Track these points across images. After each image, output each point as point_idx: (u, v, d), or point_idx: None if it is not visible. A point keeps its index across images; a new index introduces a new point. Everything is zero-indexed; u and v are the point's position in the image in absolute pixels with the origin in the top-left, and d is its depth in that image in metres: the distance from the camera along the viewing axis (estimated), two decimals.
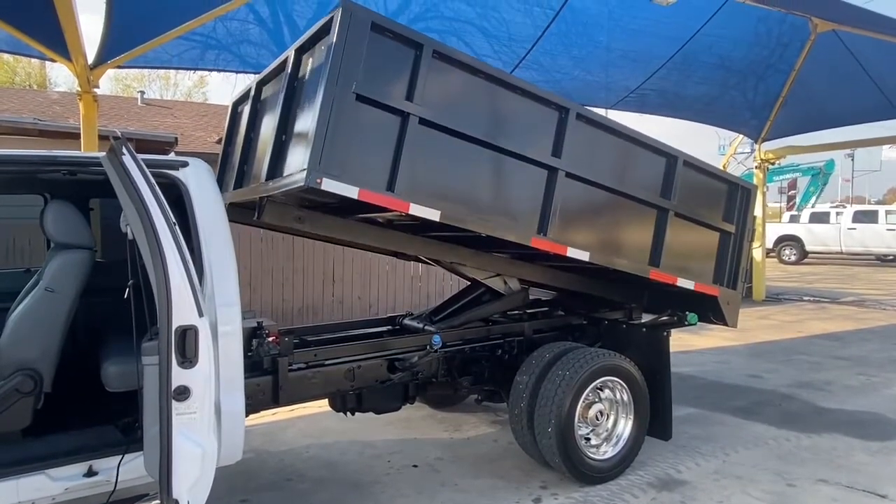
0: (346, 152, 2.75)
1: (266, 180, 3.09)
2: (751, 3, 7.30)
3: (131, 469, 2.59)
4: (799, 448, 4.39)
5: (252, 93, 3.90)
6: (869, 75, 9.41)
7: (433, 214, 3.00)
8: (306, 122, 2.85)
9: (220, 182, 4.22)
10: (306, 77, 3.11)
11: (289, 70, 3.21)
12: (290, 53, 3.25)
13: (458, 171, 3.22)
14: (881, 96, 9.95)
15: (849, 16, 7.54)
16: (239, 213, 4.00)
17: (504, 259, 4.21)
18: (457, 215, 3.11)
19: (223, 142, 4.48)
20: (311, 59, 3.10)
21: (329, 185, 2.65)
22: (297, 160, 2.84)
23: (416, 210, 2.96)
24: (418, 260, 5.20)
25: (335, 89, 2.67)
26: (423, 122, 2.97)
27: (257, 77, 3.94)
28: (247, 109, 3.90)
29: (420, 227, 3.67)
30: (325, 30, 2.87)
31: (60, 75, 33.20)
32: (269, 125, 3.45)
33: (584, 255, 3.62)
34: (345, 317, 8.16)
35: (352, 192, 2.74)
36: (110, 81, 32.36)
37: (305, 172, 2.61)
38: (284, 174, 2.95)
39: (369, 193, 2.81)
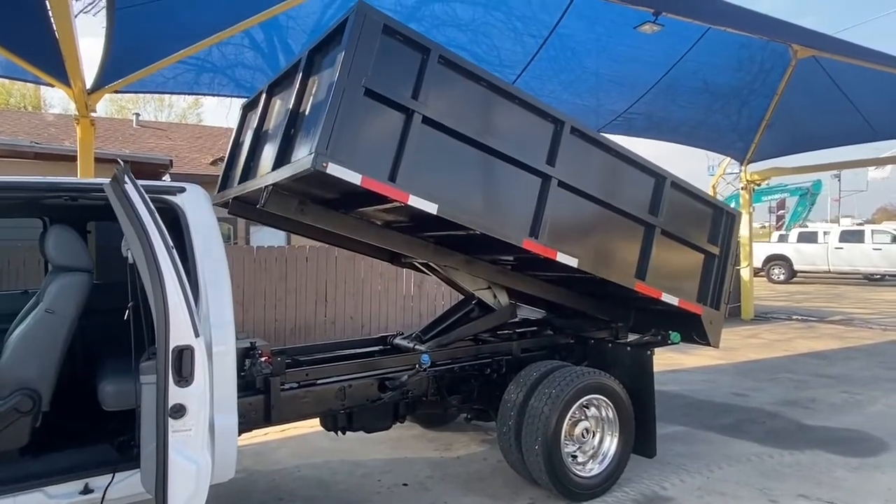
0: (352, 141, 2.87)
1: (273, 170, 3.19)
2: (732, 31, 7.55)
3: (126, 486, 2.66)
4: (781, 465, 4.48)
5: (263, 95, 4.04)
6: (849, 99, 9.68)
7: (431, 207, 3.10)
8: (316, 112, 2.98)
9: (226, 178, 4.36)
10: (318, 74, 3.25)
11: (301, 69, 3.36)
12: (304, 54, 3.41)
13: (457, 170, 3.34)
14: (862, 119, 10.22)
15: (827, 44, 7.80)
16: (242, 208, 4.14)
17: (496, 268, 4.32)
18: (453, 211, 3.21)
19: (231, 143, 4.59)
20: (324, 59, 3.25)
21: (334, 169, 2.76)
22: (305, 147, 2.95)
23: (415, 201, 3.06)
24: (413, 267, 5.29)
25: (346, 81, 2.81)
26: (426, 120, 3.10)
27: (269, 80, 4.10)
28: (258, 111, 4.04)
29: (416, 228, 3.80)
30: (339, 30, 3.02)
31: (55, 97, 33.42)
32: (278, 121, 3.58)
33: (572, 262, 3.72)
34: (337, 337, 8.23)
35: (355, 178, 2.84)
36: (105, 103, 32.54)
37: (313, 156, 2.71)
38: (292, 161, 3.06)
39: (371, 181, 2.91)
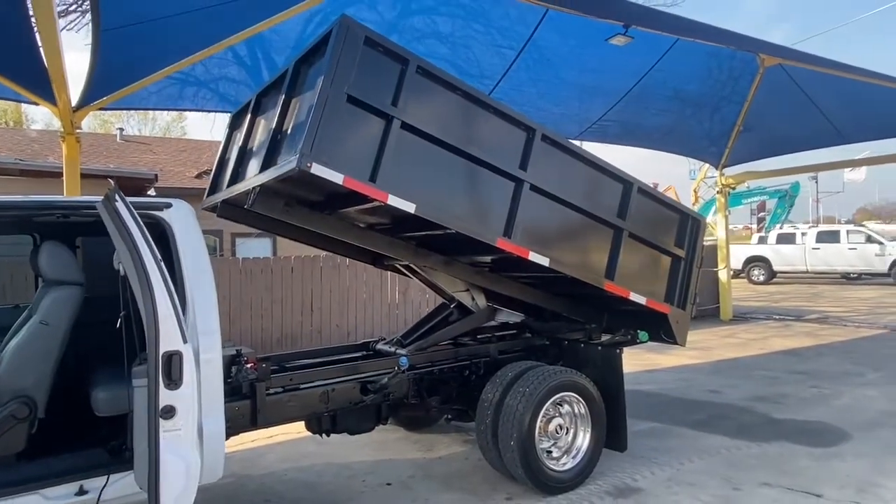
0: (335, 144, 3.05)
1: (260, 172, 3.36)
2: (700, 42, 7.83)
3: (119, 487, 2.81)
4: (748, 456, 4.70)
5: (252, 104, 4.22)
6: (816, 105, 10.02)
7: (409, 207, 3.28)
8: (302, 118, 3.17)
9: (215, 184, 4.52)
10: (304, 83, 3.45)
11: (288, 79, 3.55)
12: (291, 65, 3.60)
13: (434, 172, 3.53)
14: (829, 124, 10.57)
15: (789, 53, 8.13)
16: (230, 211, 4.32)
17: (474, 269, 4.50)
18: (431, 211, 3.38)
19: (220, 150, 4.75)
20: (309, 69, 3.45)
21: (318, 169, 2.93)
22: (291, 150, 3.12)
23: (394, 201, 3.23)
24: (396, 270, 5.46)
25: (329, 88, 3.00)
26: (404, 126, 3.30)
27: (258, 90, 4.28)
28: (246, 119, 4.21)
29: (397, 229, 3.98)
30: (323, 41, 3.22)
31: (38, 112, 33.27)
32: (266, 128, 3.76)
33: (544, 261, 3.89)
34: (324, 345, 8.35)
35: (337, 178, 3.02)
36: (88, 118, 32.38)
37: (298, 156, 2.89)
38: (278, 163, 3.22)
39: (353, 181, 3.09)
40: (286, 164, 3.01)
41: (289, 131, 3.36)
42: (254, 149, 3.95)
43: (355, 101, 3.11)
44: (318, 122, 2.95)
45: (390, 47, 3.29)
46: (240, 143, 4.16)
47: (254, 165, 3.69)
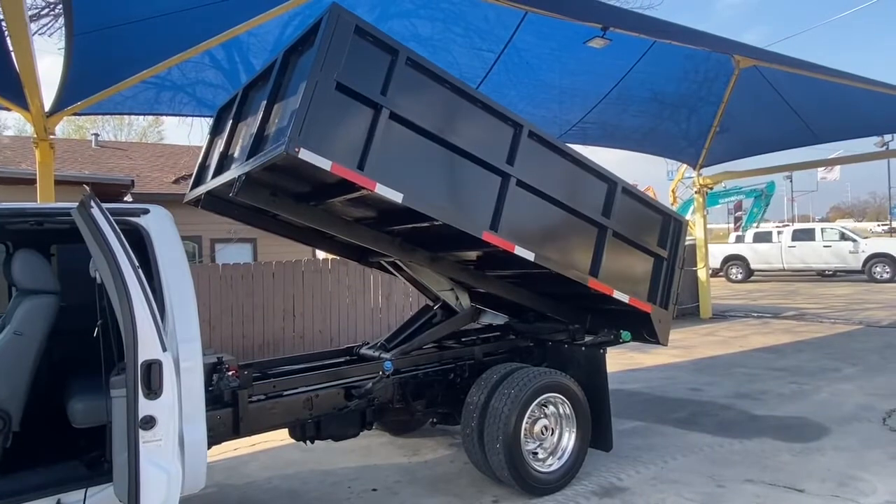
0: (323, 130, 3.02)
1: (247, 159, 3.32)
2: (676, 44, 7.94)
3: (98, 501, 2.74)
4: (731, 452, 4.75)
5: (238, 97, 4.16)
6: (790, 106, 10.21)
7: (396, 196, 3.27)
8: (290, 105, 3.14)
9: (200, 178, 4.44)
10: (293, 71, 3.41)
11: (277, 69, 3.51)
12: (279, 55, 3.56)
13: (422, 163, 3.51)
14: (803, 124, 10.77)
15: (764, 54, 8.28)
16: (214, 203, 4.26)
17: (459, 267, 4.49)
18: (418, 201, 3.36)
19: (205, 144, 4.67)
20: (298, 58, 3.42)
21: (306, 154, 2.90)
22: (279, 137, 3.08)
23: (382, 190, 3.21)
24: (381, 268, 5.43)
25: (319, 74, 2.98)
26: (393, 116, 3.28)
27: (245, 82, 4.23)
28: (232, 111, 4.15)
29: (383, 222, 3.96)
30: (313, 30, 3.19)
31: (10, 118, 32.61)
32: (253, 118, 3.70)
33: (529, 255, 3.89)
34: (306, 351, 8.28)
35: (326, 164, 2.99)
36: (62, 123, 31.77)
37: (286, 140, 2.85)
38: (266, 150, 3.18)
39: (341, 168, 3.06)
40: (274, 149, 2.97)
41: (277, 118, 3.32)
42: (240, 139, 3.90)
43: (344, 88, 3.10)
44: (307, 108, 2.93)
45: (380, 37, 3.29)
46: (225, 136, 4.11)
47: (240, 154, 3.64)
